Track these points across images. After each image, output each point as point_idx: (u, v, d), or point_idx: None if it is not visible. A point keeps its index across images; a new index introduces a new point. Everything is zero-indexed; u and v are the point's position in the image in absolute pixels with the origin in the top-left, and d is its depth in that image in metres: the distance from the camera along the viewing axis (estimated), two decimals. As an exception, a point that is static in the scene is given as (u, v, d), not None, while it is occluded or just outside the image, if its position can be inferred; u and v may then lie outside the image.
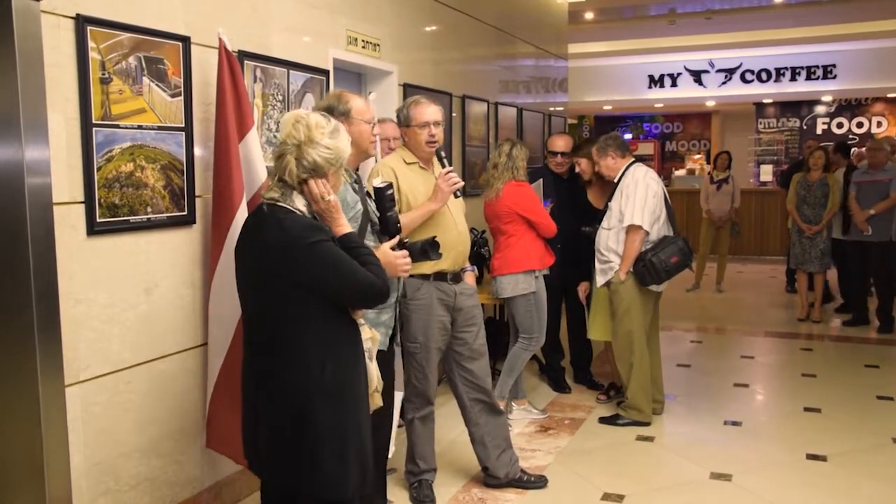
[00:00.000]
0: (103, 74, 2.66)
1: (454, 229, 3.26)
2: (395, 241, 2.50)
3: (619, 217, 4.19)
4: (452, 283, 3.28)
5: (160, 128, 2.90)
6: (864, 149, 8.53)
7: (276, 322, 2.09)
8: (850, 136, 14.04)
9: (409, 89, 4.64)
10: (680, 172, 14.66)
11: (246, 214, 2.65)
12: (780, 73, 13.39)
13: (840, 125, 14.39)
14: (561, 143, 4.89)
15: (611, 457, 3.94)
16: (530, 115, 6.85)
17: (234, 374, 2.84)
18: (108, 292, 2.73)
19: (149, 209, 2.87)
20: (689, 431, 4.31)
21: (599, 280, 4.34)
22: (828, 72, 13.07)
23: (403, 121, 3.25)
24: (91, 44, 2.60)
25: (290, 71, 3.62)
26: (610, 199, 4.33)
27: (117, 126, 2.72)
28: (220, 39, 2.99)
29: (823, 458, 3.87)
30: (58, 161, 2.47)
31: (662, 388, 4.56)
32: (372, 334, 2.30)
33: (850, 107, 14.33)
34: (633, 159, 4.36)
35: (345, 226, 2.20)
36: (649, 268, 4.10)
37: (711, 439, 4.18)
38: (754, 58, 13.31)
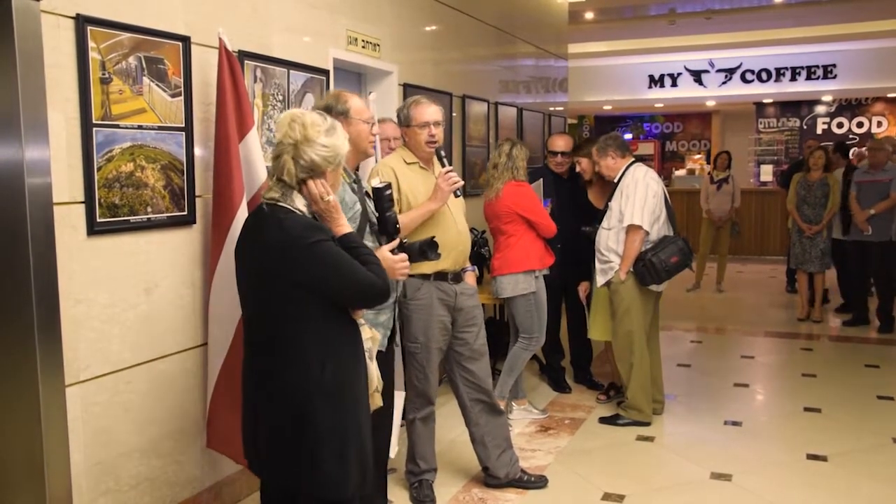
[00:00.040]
0: (103, 74, 2.66)
1: (454, 229, 3.26)
2: (394, 244, 2.50)
3: (619, 217, 4.19)
4: (453, 282, 3.28)
5: (160, 128, 2.90)
6: (864, 149, 8.54)
7: (276, 322, 2.09)
8: (851, 136, 14.04)
9: (409, 89, 4.64)
10: (680, 172, 14.66)
11: (246, 214, 2.65)
12: (780, 72, 13.39)
13: (840, 125, 14.39)
14: (561, 143, 4.89)
15: (611, 457, 3.94)
16: (530, 115, 6.85)
17: (234, 374, 2.84)
18: (109, 292, 2.73)
19: (149, 209, 2.87)
20: (689, 431, 4.31)
21: (599, 280, 4.34)
22: (828, 72, 13.07)
23: (404, 121, 3.25)
24: (91, 44, 2.60)
25: (291, 71, 3.62)
26: (610, 199, 4.33)
27: (117, 126, 2.72)
28: (220, 39, 2.99)
29: (824, 458, 3.87)
30: (58, 161, 2.47)
31: (662, 388, 4.56)
32: (372, 334, 2.29)
33: (850, 107, 14.33)
34: (633, 159, 4.36)
35: (345, 226, 2.20)
36: (649, 268, 4.10)
37: (711, 439, 4.18)
38: (754, 58, 13.31)
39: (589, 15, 9.85)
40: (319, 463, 2.07)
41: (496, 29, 6.14)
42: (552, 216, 4.34)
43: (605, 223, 4.29)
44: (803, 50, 12.85)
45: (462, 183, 3.19)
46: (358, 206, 2.64)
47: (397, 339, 3.00)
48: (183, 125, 3.00)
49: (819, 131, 14.34)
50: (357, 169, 2.91)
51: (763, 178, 14.05)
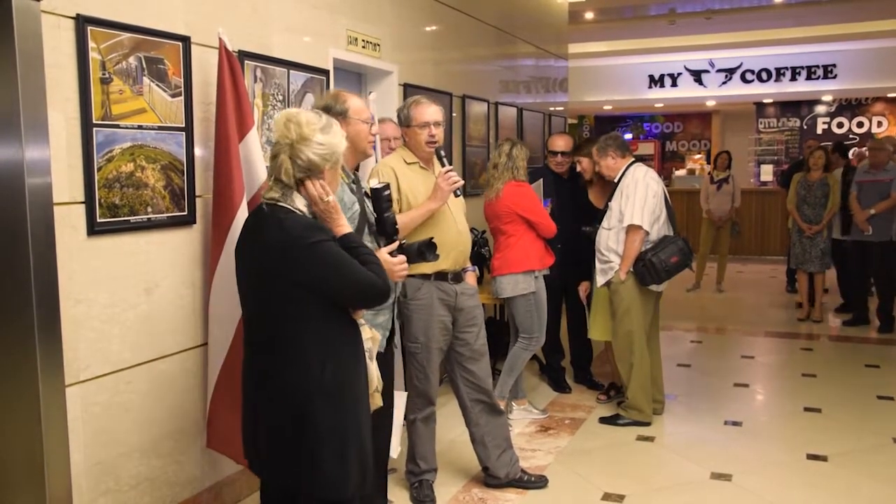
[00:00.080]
0: (103, 74, 2.66)
1: (454, 229, 3.26)
2: (393, 246, 2.49)
3: (619, 217, 4.19)
4: (453, 282, 3.28)
5: (160, 128, 2.90)
6: (864, 148, 8.53)
7: (277, 322, 2.09)
8: (851, 136, 14.04)
9: (409, 89, 4.64)
10: (680, 172, 14.66)
11: (246, 214, 2.65)
12: (780, 72, 13.39)
13: (840, 125, 14.39)
14: (561, 143, 4.89)
15: (611, 457, 3.94)
16: (530, 115, 6.85)
17: (234, 374, 2.84)
18: (109, 292, 2.73)
19: (149, 209, 2.87)
20: (689, 431, 4.31)
21: (600, 280, 4.34)
22: (828, 71, 13.07)
23: (404, 121, 3.25)
24: (91, 44, 2.60)
25: (291, 71, 3.62)
26: (610, 199, 4.33)
27: (118, 126, 2.72)
28: (220, 39, 2.99)
29: (824, 458, 3.87)
30: (58, 161, 2.47)
31: (663, 388, 4.56)
32: (372, 334, 2.29)
33: (850, 106, 14.33)
34: (633, 159, 4.36)
35: (345, 226, 2.19)
36: (649, 268, 4.10)
37: (712, 439, 4.18)
38: (754, 57, 13.31)
39: (589, 15, 9.85)
40: (320, 463, 2.07)
41: (496, 29, 6.14)
42: (552, 216, 4.33)
43: (605, 223, 4.29)
44: (803, 50, 12.85)
45: (462, 182, 3.19)
46: (356, 207, 2.63)
47: (396, 339, 2.99)
48: (183, 125, 3.00)
49: (819, 131, 14.34)
50: (357, 169, 2.91)
51: (763, 178, 14.06)
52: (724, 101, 14.61)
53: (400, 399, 3.08)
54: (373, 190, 2.68)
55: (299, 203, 2.10)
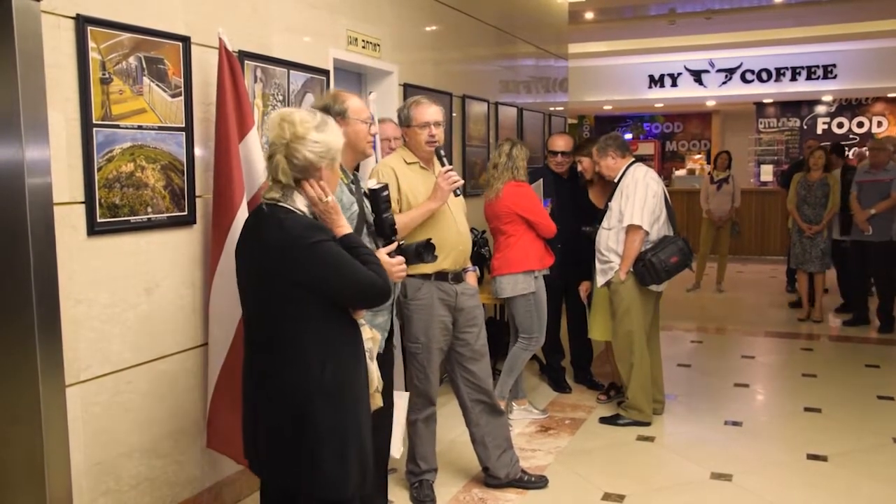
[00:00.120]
0: (103, 74, 2.66)
1: (454, 228, 3.26)
2: (391, 247, 2.49)
3: (619, 217, 4.19)
4: (454, 283, 3.28)
5: (160, 128, 2.90)
6: (864, 148, 8.53)
7: (277, 321, 2.09)
8: (851, 136, 14.05)
9: (409, 89, 4.64)
10: (680, 172, 14.66)
11: (246, 215, 2.65)
12: (780, 72, 13.39)
13: (840, 125, 14.39)
14: (561, 143, 4.89)
15: (611, 457, 3.94)
16: (530, 115, 6.85)
17: (234, 374, 2.84)
18: (109, 292, 2.73)
19: (149, 209, 2.87)
20: (689, 431, 4.30)
21: (600, 280, 4.34)
22: (828, 71, 13.07)
23: (404, 121, 3.25)
24: (91, 44, 2.60)
25: (291, 71, 3.62)
26: (610, 199, 4.33)
27: (118, 126, 2.72)
28: (220, 39, 2.99)
29: (824, 459, 3.87)
30: (58, 161, 2.47)
31: (663, 388, 4.56)
32: (372, 334, 2.29)
33: (850, 107, 14.33)
34: (633, 159, 4.36)
35: (345, 227, 2.19)
36: (649, 268, 4.10)
37: (712, 439, 4.18)
38: (754, 58, 13.31)
39: (589, 15, 9.85)
40: (320, 463, 2.07)
41: (496, 29, 6.14)
42: (552, 216, 4.33)
43: (605, 223, 4.30)
44: (803, 50, 12.85)
45: (462, 182, 3.19)
46: (355, 208, 2.62)
47: (395, 340, 2.99)
48: (183, 125, 3.00)
49: (819, 131, 14.34)
50: (357, 169, 2.91)
51: (763, 178, 14.06)
52: (724, 101, 14.61)
53: (402, 399, 3.08)
54: (371, 191, 2.67)
55: (300, 203, 2.10)
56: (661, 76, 13.96)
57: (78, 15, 2.56)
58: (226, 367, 3.00)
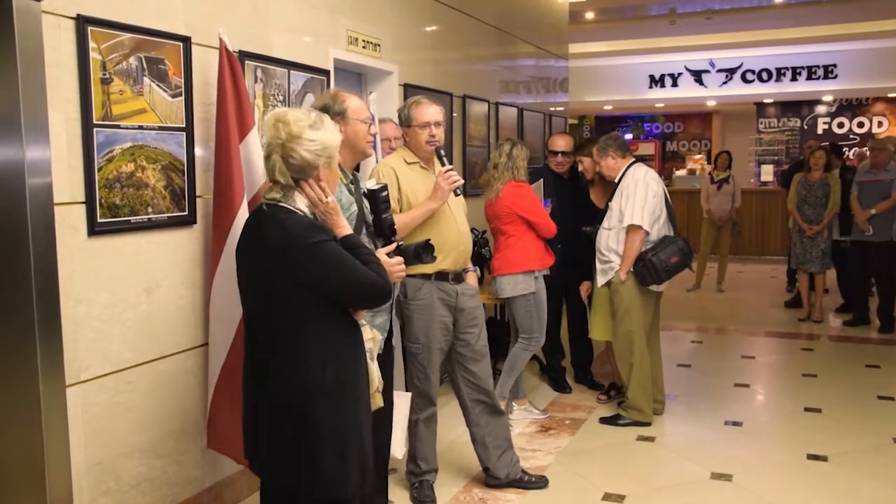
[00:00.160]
0: (104, 75, 2.66)
1: (455, 228, 3.25)
2: (391, 247, 2.48)
3: (620, 217, 4.19)
4: (454, 283, 3.27)
5: (161, 128, 2.90)
6: (864, 148, 8.52)
7: (277, 321, 2.09)
8: (851, 136, 14.06)
9: (409, 89, 4.64)
10: (680, 172, 14.66)
11: (247, 215, 2.65)
12: (780, 72, 13.39)
13: (841, 125, 14.39)
14: (561, 143, 4.89)
15: (611, 457, 3.94)
16: (531, 115, 6.85)
17: (234, 374, 2.85)
18: (109, 292, 2.73)
19: (149, 209, 2.87)
20: (689, 431, 4.30)
21: (600, 280, 4.34)
22: (828, 72, 13.07)
23: (404, 121, 3.25)
24: (92, 44, 2.60)
25: (291, 71, 3.62)
26: (610, 199, 4.33)
27: (118, 126, 2.72)
28: (220, 39, 2.99)
29: (824, 459, 3.87)
30: (58, 161, 2.47)
31: (663, 388, 4.56)
32: (373, 335, 2.29)
33: (850, 107, 14.32)
34: (633, 159, 4.36)
35: (345, 227, 2.19)
36: (649, 268, 4.10)
37: (712, 439, 4.18)
38: (755, 58, 13.31)
39: (589, 15, 9.85)
40: (320, 463, 2.07)
41: (496, 29, 6.14)
42: (552, 216, 4.33)
43: (605, 223, 4.30)
44: (804, 50, 12.85)
45: (462, 181, 3.19)
46: (354, 208, 2.62)
47: (394, 341, 2.98)
48: (183, 125, 3.00)
49: (820, 131, 14.34)
50: (357, 169, 2.91)
51: (764, 178, 14.05)
52: (725, 101, 14.61)
53: (404, 400, 3.07)
54: (370, 191, 2.67)
55: (300, 203, 2.10)
56: (662, 76, 13.96)
57: (78, 15, 2.56)
58: (226, 367, 3.00)
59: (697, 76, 13.79)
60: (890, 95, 13.79)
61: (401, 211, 3.13)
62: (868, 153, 7.34)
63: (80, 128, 2.59)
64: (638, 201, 4.14)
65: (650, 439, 4.16)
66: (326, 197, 2.12)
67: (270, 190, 2.13)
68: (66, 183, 2.55)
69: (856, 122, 14.29)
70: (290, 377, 2.08)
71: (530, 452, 3.94)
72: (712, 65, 13.61)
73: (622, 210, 4.19)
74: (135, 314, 2.84)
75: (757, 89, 13.68)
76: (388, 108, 4.31)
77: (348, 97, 2.72)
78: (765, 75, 13.48)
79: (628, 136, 16.27)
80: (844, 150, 13.28)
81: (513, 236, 4.21)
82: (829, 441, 4.08)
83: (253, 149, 3.05)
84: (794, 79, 13.34)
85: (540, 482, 3.54)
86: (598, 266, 4.34)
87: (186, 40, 3.00)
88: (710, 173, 9.06)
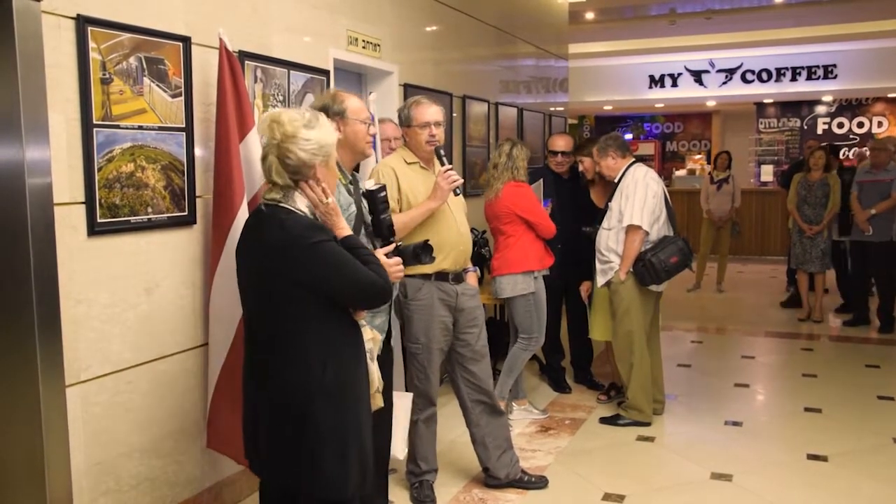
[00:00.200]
0: (104, 75, 2.66)
1: (455, 228, 3.25)
2: (390, 248, 2.48)
3: (619, 217, 4.19)
4: (454, 283, 3.27)
5: (161, 128, 2.90)
6: (864, 148, 8.52)
7: (277, 321, 2.09)
8: (851, 136, 14.06)
9: (409, 89, 4.64)
10: (680, 172, 14.66)
11: (246, 215, 2.65)
12: (780, 73, 13.39)
13: (841, 125, 14.39)
14: (561, 143, 4.89)
15: (611, 457, 3.94)
16: (531, 116, 6.85)
17: (234, 374, 2.85)
18: (109, 292, 2.73)
19: (149, 209, 2.87)
20: (689, 431, 4.30)
21: (600, 280, 4.34)
22: (828, 72, 13.07)
23: (404, 121, 3.25)
24: (92, 44, 2.60)
25: (291, 71, 3.62)
26: (610, 200, 4.33)
27: (118, 126, 2.72)
28: (220, 40, 2.99)
29: (824, 459, 3.87)
30: (58, 161, 2.47)
31: (663, 388, 4.56)
32: (373, 335, 2.29)
33: (850, 107, 14.32)
34: (633, 159, 4.36)
35: (345, 228, 2.19)
36: (649, 268, 4.10)
37: (712, 439, 4.18)
38: (755, 58, 13.31)
39: (589, 15, 9.85)
40: (320, 463, 2.07)
41: (496, 29, 6.14)
42: (552, 216, 4.33)
43: (605, 223, 4.30)
44: (803, 50, 12.85)
45: (461, 181, 3.19)
46: (353, 208, 2.61)
47: (393, 341, 2.98)
48: (183, 125, 3.00)
49: (819, 131, 14.34)
50: (357, 169, 2.90)
51: (763, 178, 14.05)
52: (725, 102, 14.61)
53: (406, 400, 3.07)
54: (368, 191, 2.66)
55: (300, 203, 2.10)
56: (662, 76, 13.96)
57: (78, 15, 2.56)
58: (226, 367, 3.00)
59: (697, 76, 13.79)
60: (890, 95, 13.78)
61: (400, 211, 3.13)
62: (868, 153, 7.33)
63: (79, 128, 2.59)
64: (637, 201, 4.14)
65: (650, 439, 4.16)
66: (327, 198, 2.12)
67: (270, 190, 2.13)
68: (66, 183, 2.55)
69: (856, 122, 14.28)
70: (290, 377, 2.08)
71: (530, 452, 3.94)
72: (712, 65, 13.61)
73: (622, 210, 4.19)
74: (135, 314, 2.84)
75: (757, 89, 13.68)
76: (387, 108, 4.31)
77: (348, 97, 2.71)
78: (765, 75, 13.48)
79: (628, 136, 16.27)
80: (844, 150, 13.33)
81: (512, 236, 4.21)
82: (829, 441, 4.08)
83: (253, 149, 3.05)
84: (793, 79, 13.35)
85: (540, 482, 3.54)
86: (598, 266, 4.34)
87: (186, 40, 3.00)
88: (709, 173, 9.06)
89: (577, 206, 4.79)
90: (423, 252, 2.63)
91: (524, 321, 4.25)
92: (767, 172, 14.09)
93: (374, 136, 3.13)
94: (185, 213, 3.03)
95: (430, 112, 3.19)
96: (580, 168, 4.84)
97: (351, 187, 2.67)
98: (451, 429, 4.04)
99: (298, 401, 2.07)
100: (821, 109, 14.56)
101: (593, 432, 4.28)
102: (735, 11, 10.13)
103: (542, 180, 4.65)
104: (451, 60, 5.40)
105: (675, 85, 13.94)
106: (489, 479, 3.51)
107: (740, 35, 11.79)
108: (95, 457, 2.70)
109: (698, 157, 16.20)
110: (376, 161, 3.57)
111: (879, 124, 14.08)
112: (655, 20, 10.58)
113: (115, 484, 2.78)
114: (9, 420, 2.14)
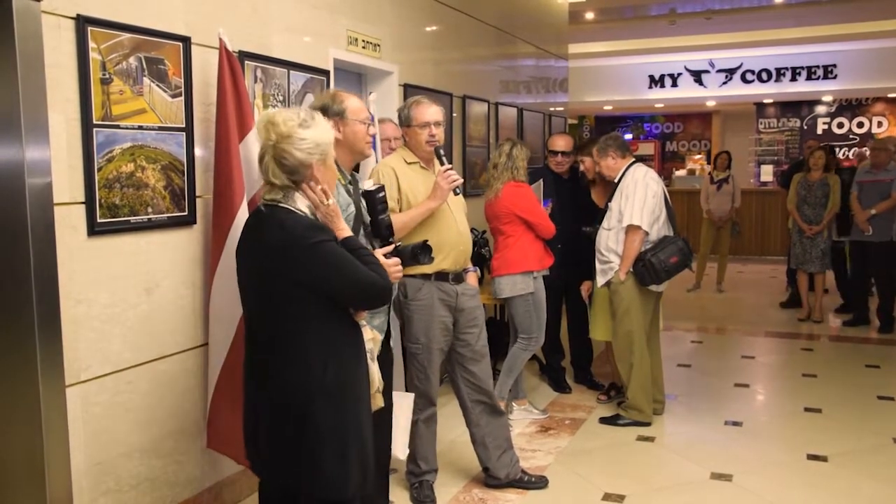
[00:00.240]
0: (104, 75, 2.66)
1: (455, 228, 3.25)
2: (389, 248, 2.48)
3: (619, 217, 4.20)
4: (454, 283, 3.27)
5: (161, 128, 2.90)
6: (864, 148, 8.52)
7: (278, 321, 2.09)
8: (851, 136, 14.06)
9: (409, 89, 4.64)
10: (680, 172, 14.66)
11: (246, 215, 2.65)
12: (780, 73, 13.40)
13: (840, 125, 14.39)
14: (561, 143, 4.89)
15: (611, 457, 3.94)
16: (531, 116, 6.85)
17: (234, 374, 2.85)
18: (109, 292, 2.73)
19: (149, 209, 2.87)
20: (689, 431, 4.30)
21: (600, 280, 4.34)
22: (828, 72, 13.07)
23: (404, 121, 3.25)
24: (91, 44, 2.60)
25: (291, 71, 3.62)
26: (610, 200, 4.34)
27: (118, 126, 2.72)
28: (220, 40, 2.99)
29: (824, 459, 3.87)
30: (58, 161, 2.47)
31: (663, 388, 4.56)
32: (373, 335, 2.29)
33: (850, 107, 14.32)
34: (633, 159, 4.36)
35: (345, 230, 2.19)
36: (649, 268, 4.10)
37: (712, 439, 4.18)
38: (755, 58, 13.31)
39: (589, 15, 9.85)
40: (320, 463, 2.07)
41: (496, 29, 6.14)
42: (552, 216, 4.33)
43: (605, 223, 4.30)
44: (803, 50, 12.86)
45: (461, 181, 3.19)
46: (352, 209, 2.61)
47: (392, 342, 2.98)
48: (183, 125, 3.00)
49: (819, 131, 14.34)
50: (356, 169, 2.90)
51: (763, 178, 14.06)
52: (725, 102, 14.61)
53: (407, 401, 3.07)
54: (367, 192, 2.66)
55: (300, 204, 2.10)
56: (662, 76, 13.96)
57: (78, 15, 2.56)
58: (226, 367, 3.00)
59: (697, 76, 13.79)
60: (890, 95, 13.79)
61: (400, 211, 3.13)
62: (868, 153, 7.34)
63: (79, 128, 2.59)
64: (637, 201, 4.14)
65: (650, 439, 4.16)
66: (327, 199, 2.12)
67: (270, 191, 2.12)
68: (66, 183, 2.55)
69: (855, 122, 14.29)
70: (290, 377, 2.08)
71: (530, 452, 3.94)
72: (712, 65, 13.61)
73: (622, 210, 4.19)
74: (135, 314, 2.84)
75: (757, 89, 13.68)
76: (387, 108, 4.31)
77: (347, 97, 2.71)
78: (764, 75, 13.48)
79: (628, 137, 16.27)
80: (844, 150, 13.34)
81: (512, 236, 4.21)
82: (829, 441, 4.08)
83: (253, 149, 3.04)
84: (793, 79, 13.35)
85: (540, 482, 3.54)
86: (598, 266, 4.34)
87: (186, 40, 2.99)
88: (709, 173, 9.06)
89: (577, 206, 4.79)
90: (421, 252, 2.63)
91: (524, 321, 4.25)
92: (767, 172, 14.09)
93: (373, 136, 3.13)
94: (185, 213, 3.03)
95: (430, 112, 3.19)
96: (581, 168, 4.84)
97: (350, 187, 2.66)
98: (451, 429, 4.04)
99: (299, 401, 2.07)
100: (821, 109, 14.56)
101: (593, 432, 4.28)
102: (735, 11, 10.13)
103: (542, 180, 4.64)
104: (451, 60, 5.40)
105: (674, 85, 13.94)
106: (489, 479, 3.51)
107: (740, 35, 11.80)
108: (95, 457, 2.70)
109: (698, 157, 16.20)
110: (376, 161, 3.57)
111: (879, 124, 14.08)
112: (655, 20, 10.59)
113: (115, 484, 2.78)
114: (9, 420, 2.14)
